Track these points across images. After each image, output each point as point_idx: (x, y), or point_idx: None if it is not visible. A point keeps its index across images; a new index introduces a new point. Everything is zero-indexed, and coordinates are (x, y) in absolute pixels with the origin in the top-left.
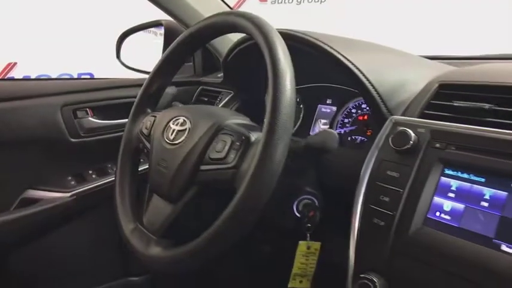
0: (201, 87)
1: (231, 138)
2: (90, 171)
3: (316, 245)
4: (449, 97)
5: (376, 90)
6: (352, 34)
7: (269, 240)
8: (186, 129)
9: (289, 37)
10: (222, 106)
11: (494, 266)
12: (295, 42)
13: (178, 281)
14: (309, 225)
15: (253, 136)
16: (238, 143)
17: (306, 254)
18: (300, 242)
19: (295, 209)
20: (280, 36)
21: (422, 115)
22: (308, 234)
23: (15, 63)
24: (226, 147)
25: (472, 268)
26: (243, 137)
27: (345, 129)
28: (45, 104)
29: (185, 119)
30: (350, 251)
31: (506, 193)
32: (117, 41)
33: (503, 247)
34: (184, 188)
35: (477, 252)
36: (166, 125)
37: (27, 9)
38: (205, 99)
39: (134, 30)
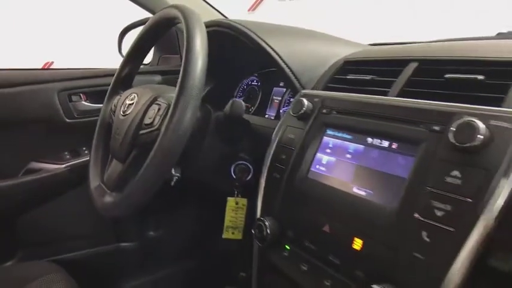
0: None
1: (158, 107)
2: (84, 148)
3: (243, 200)
4: (347, 72)
5: (289, 68)
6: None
7: (211, 200)
8: (133, 102)
9: (217, 24)
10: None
11: (349, 206)
12: (224, 28)
13: (163, 246)
14: (237, 184)
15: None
16: (163, 110)
17: (235, 209)
18: (229, 198)
19: (232, 172)
20: (201, 25)
21: (326, 88)
22: (236, 192)
23: (52, 62)
24: (154, 114)
25: (336, 208)
26: (166, 104)
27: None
28: (44, 89)
29: (135, 94)
30: (258, 201)
31: (363, 146)
32: (119, 37)
33: (355, 189)
34: (129, 150)
35: (338, 195)
36: (123, 101)
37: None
38: None
39: (134, 26)
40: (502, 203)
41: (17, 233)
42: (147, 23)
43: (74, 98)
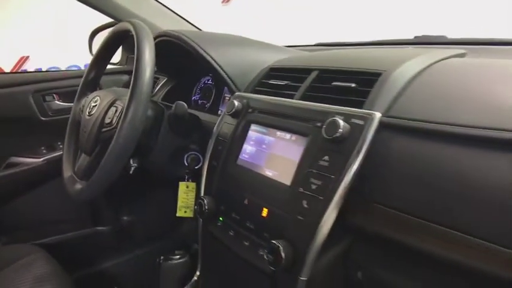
0: None
1: (115, 109)
2: (59, 143)
3: (193, 184)
4: (271, 77)
5: (227, 74)
6: None
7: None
8: (96, 104)
9: (166, 34)
10: (159, 88)
11: (261, 184)
12: (172, 38)
13: (136, 228)
14: (187, 171)
15: None
16: (119, 111)
17: (186, 191)
18: (180, 182)
19: (185, 161)
20: (150, 39)
21: (254, 91)
22: (186, 177)
23: (27, 57)
24: (113, 115)
25: (253, 187)
26: (122, 106)
27: None
28: (20, 91)
29: (98, 97)
30: (201, 184)
31: (274, 138)
32: (89, 38)
33: (266, 172)
34: (94, 145)
35: (255, 176)
36: (89, 103)
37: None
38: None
39: (103, 28)
40: (350, 178)
41: (0, 220)
42: (107, 35)
43: (47, 98)
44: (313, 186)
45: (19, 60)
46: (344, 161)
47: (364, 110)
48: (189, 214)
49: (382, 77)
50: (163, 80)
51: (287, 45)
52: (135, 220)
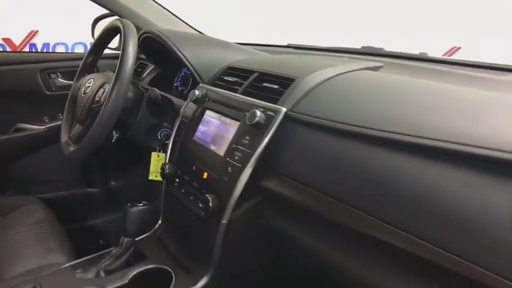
0: (139, 61)
1: (103, 90)
2: (60, 114)
3: (163, 154)
4: (227, 74)
5: (194, 68)
6: None
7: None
8: (90, 85)
9: (149, 32)
10: (146, 74)
11: (205, 155)
12: (153, 35)
13: (122, 192)
14: (159, 144)
15: None
16: (106, 92)
17: (156, 160)
18: (152, 152)
19: (159, 136)
20: (134, 36)
21: (213, 84)
22: (158, 148)
23: (37, 31)
24: (101, 94)
25: (199, 157)
26: (109, 88)
27: None
28: (30, 68)
29: (92, 79)
30: (167, 154)
31: (220, 122)
32: (92, 24)
33: (211, 146)
34: (85, 118)
35: (202, 149)
36: (85, 83)
37: None
38: (139, 69)
39: (105, 17)
40: (260, 151)
41: (7, 176)
42: (103, 29)
43: (52, 75)
44: (236, 157)
45: (28, 34)
46: (257, 140)
47: (276, 105)
48: (159, 178)
49: (295, 81)
50: (150, 68)
51: (262, 43)
52: (120, 185)
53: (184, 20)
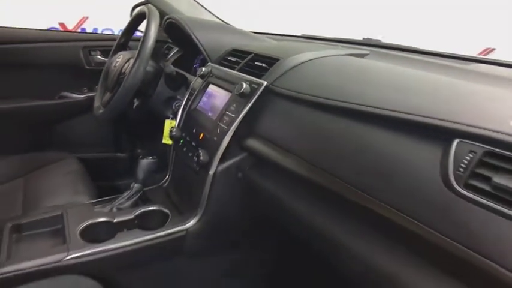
0: (167, 44)
1: (128, 64)
2: (96, 86)
3: (174, 121)
4: (231, 55)
5: (204, 49)
6: None
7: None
8: (119, 60)
9: (171, 18)
10: (172, 55)
11: (203, 120)
12: (175, 20)
13: None
14: (172, 113)
15: None
16: (130, 66)
17: (169, 126)
18: (166, 120)
19: (173, 106)
20: (156, 20)
21: (219, 63)
22: (171, 117)
23: (87, 17)
24: (126, 68)
25: (199, 122)
26: (133, 63)
27: None
28: (74, 46)
29: (122, 55)
30: (176, 120)
31: (218, 94)
32: (131, 11)
33: (209, 113)
34: (113, 87)
35: (202, 116)
36: (116, 59)
37: None
38: (166, 51)
39: (142, 4)
40: (243, 115)
41: (50, 135)
42: (133, 14)
43: (92, 53)
44: (224, 121)
45: (80, 20)
46: (241, 107)
47: (260, 80)
48: (170, 142)
49: (279, 61)
50: (175, 50)
51: (278, 33)
52: (144, 152)
53: (206, 8)
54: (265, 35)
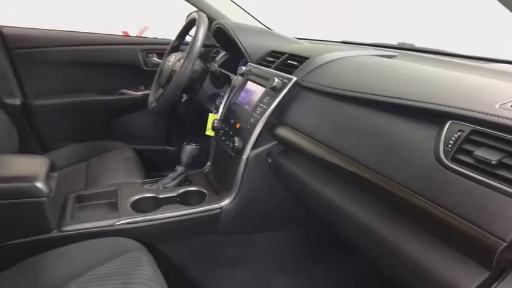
0: (215, 48)
1: (179, 63)
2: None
3: (216, 115)
4: (269, 56)
5: (246, 51)
6: None
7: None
8: (172, 60)
9: (218, 23)
10: (219, 58)
11: (240, 112)
12: (221, 25)
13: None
14: (215, 107)
15: None
16: (180, 65)
17: (212, 119)
18: (210, 114)
19: (216, 102)
20: (205, 25)
21: (258, 63)
22: (214, 111)
23: (148, 26)
24: (177, 67)
25: (237, 113)
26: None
27: None
28: (134, 48)
29: (174, 56)
30: (219, 114)
31: (254, 89)
32: (186, 18)
33: (245, 106)
34: (166, 83)
35: (240, 108)
36: (169, 59)
37: None
38: (214, 54)
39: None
40: (274, 107)
41: (109, 127)
42: (186, 20)
43: (149, 55)
44: (257, 111)
45: (142, 29)
46: (273, 99)
47: (290, 76)
48: (212, 134)
49: (308, 60)
50: (222, 53)
51: (319, 39)
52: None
53: (251, 14)
54: (307, 40)
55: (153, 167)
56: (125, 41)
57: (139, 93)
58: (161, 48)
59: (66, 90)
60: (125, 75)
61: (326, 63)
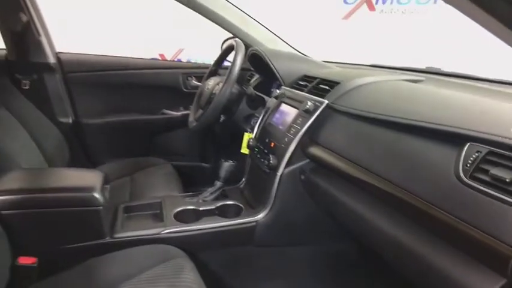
0: (250, 72)
1: (218, 87)
2: (190, 105)
3: (251, 134)
4: (301, 79)
5: (280, 76)
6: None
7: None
8: (211, 83)
9: (255, 50)
10: (253, 81)
11: (275, 132)
12: (257, 52)
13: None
14: (251, 127)
15: None
16: (219, 88)
17: (247, 138)
18: (245, 133)
19: (252, 122)
20: (242, 52)
21: (291, 86)
22: (249, 131)
23: (182, 49)
24: (216, 90)
25: (272, 133)
26: (221, 85)
27: None
28: (175, 72)
29: (213, 80)
30: (254, 133)
31: (288, 110)
32: (221, 44)
33: (279, 126)
34: (206, 104)
35: (275, 128)
36: (208, 83)
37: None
38: (249, 78)
39: (230, 38)
40: (306, 127)
41: (150, 145)
42: (223, 47)
43: (188, 78)
44: (291, 132)
45: (176, 51)
46: (306, 121)
47: (322, 99)
48: (247, 152)
49: (339, 84)
50: (256, 77)
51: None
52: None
53: (285, 40)
54: (336, 64)
55: (190, 182)
56: (167, 65)
57: (179, 113)
58: (199, 72)
59: (113, 110)
60: (166, 96)
61: (356, 87)
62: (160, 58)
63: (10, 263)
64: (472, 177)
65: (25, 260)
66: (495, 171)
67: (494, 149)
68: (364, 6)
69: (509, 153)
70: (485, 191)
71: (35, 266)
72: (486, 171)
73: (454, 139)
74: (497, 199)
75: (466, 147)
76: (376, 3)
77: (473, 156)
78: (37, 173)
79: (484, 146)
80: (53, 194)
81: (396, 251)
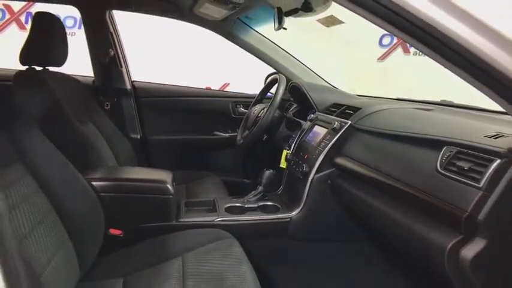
0: (289, 102)
1: (263, 112)
2: (237, 129)
3: (288, 151)
4: (332, 107)
5: (314, 104)
6: None
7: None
8: (256, 109)
9: (294, 83)
10: (292, 109)
11: (308, 147)
12: (297, 84)
13: None
14: (288, 146)
15: None
16: (264, 113)
17: (285, 153)
18: (284, 150)
19: (289, 141)
20: (283, 84)
21: (323, 112)
22: (286, 148)
23: (228, 83)
24: (262, 114)
25: (305, 149)
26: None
27: None
28: (225, 100)
29: (259, 106)
30: (291, 149)
31: (319, 131)
32: (265, 78)
33: (312, 142)
34: (252, 126)
35: (308, 144)
36: (254, 109)
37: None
38: (288, 106)
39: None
40: (333, 142)
41: (202, 161)
42: (267, 80)
43: (237, 106)
44: (321, 145)
45: (223, 85)
46: (333, 137)
47: (346, 120)
48: (285, 166)
49: (361, 109)
50: (295, 105)
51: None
52: None
53: (319, 75)
54: (367, 97)
55: (234, 193)
56: (219, 95)
57: (227, 135)
58: (246, 101)
59: (174, 129)
60: (218, 120)
61: (374, 112)
62: None
63: (103, 232)
64: (445, 169)
65: (114, 231)
66: (459, 163)
67: (461, 149)
68: (399, 49)
69: (469, 151)
70: (452, 177)
71: (121, 236)
72: (454, 164)
73: (437, 144)
74: (458, 181)
75: (443, 149)
76: (410, 46)
77: (447, 154)
78: (124, 168)
79: (455, 147)
80: (137, 183)
81: (400, 233)
